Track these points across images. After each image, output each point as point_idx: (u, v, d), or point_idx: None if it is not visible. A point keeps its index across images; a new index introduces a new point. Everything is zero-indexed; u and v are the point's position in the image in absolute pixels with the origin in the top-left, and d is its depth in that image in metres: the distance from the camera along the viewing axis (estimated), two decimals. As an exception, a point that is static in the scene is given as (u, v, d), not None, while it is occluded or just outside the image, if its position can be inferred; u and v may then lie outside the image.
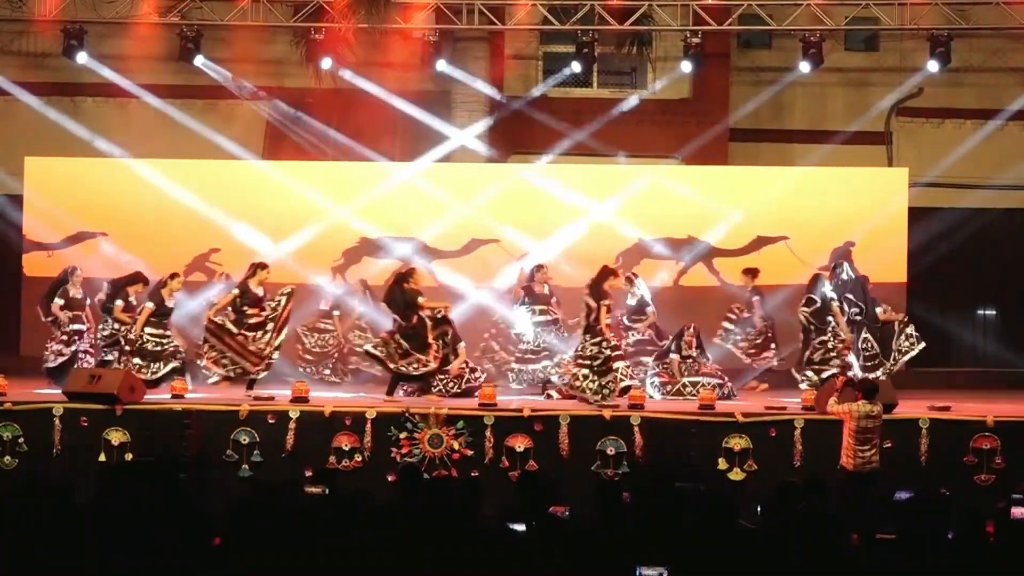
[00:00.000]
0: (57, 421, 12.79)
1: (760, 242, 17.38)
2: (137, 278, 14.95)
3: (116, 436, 12.74)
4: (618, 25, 17.04)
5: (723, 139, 18.49)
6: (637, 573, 6.16)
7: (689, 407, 13.46)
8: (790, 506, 7.26)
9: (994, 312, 19.36)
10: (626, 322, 15.59)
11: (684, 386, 14.66)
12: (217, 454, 12.73)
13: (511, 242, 17.34)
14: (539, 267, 16.07)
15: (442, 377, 14.46)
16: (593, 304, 13.75)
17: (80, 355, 14.94)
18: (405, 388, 14.24)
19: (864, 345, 15.13)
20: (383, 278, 16.23)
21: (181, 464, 11.66)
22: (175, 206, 17.38)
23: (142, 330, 14.39)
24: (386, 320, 14.60)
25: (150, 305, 14.50)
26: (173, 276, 14.82)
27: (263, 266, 14.65)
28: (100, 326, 15.13)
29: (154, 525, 6.43)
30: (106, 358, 14.75)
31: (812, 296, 15.10)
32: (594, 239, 17.27)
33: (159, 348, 14.40)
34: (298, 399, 13.26)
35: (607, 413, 12.83)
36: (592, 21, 16.93)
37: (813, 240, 17.30)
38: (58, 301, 14.98)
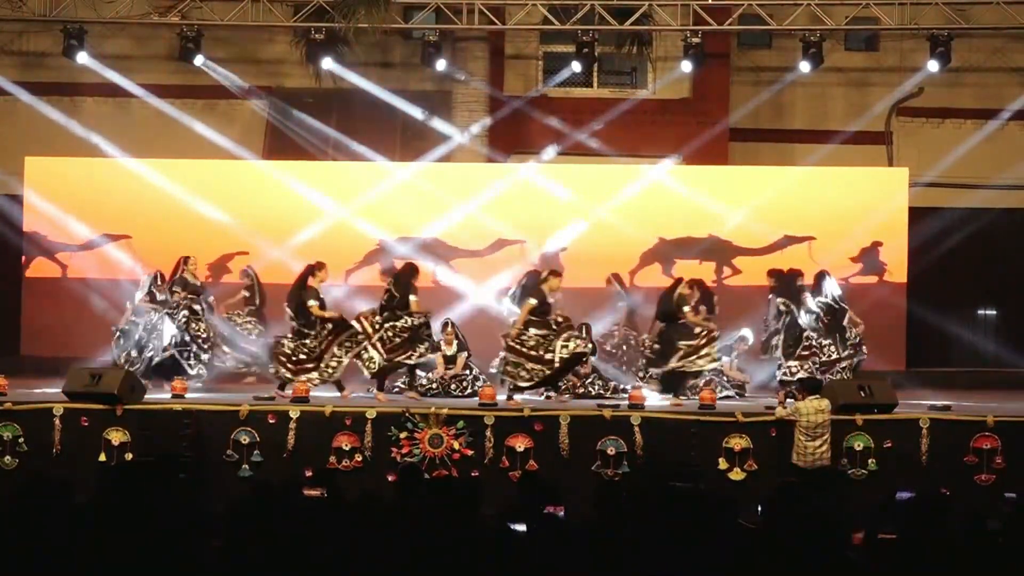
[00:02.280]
0: (57, 421, 12.79)
1: (786, 241, 17.35)
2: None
3: (116, 436, 12.75)
4: (618, 25, 17.05)
5: (723, 139, 18.48)
6: None
7: (689, 407, 13.45)
8: (790, 506, 7.26)
9: (994, 312, 19.36)
10: None
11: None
12: (217, 454, 12.73)
13: (535, 243, 17.32)
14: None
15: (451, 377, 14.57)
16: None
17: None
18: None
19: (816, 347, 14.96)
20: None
21: (181, 464, 11.65)
22: (175, 206, 17.38)
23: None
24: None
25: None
26: (320, 266, 14.35)
27: (320, 266, 14.33)
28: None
29: (154, 525, 6.43)
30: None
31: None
32: (594, 239, 17.28)
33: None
34: (298, 399, 13.26)
35: (607, 413, 12.83)
36: (592, 21, 16.94)
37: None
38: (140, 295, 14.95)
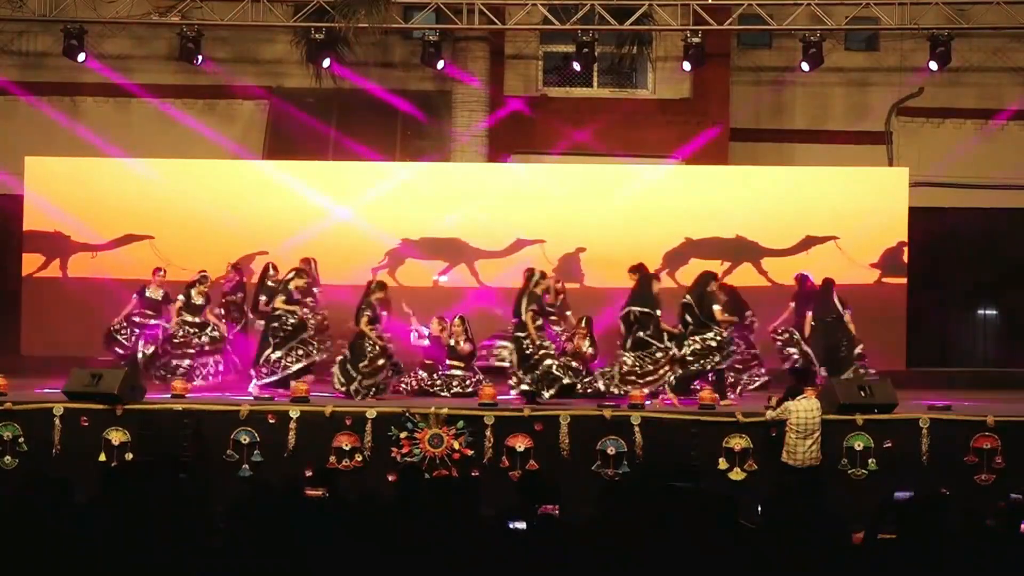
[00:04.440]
0: (57, 421, 12.79)
1: (809, 242, 17.33)
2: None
3: (116, 436, 12.74)
4: (618, 25, 17.05)
5: (723, 139, 18.48)
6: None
7: (689, 407, 13.44)
8: (790, 506, 7.26)
9: (994, 312, 19.36)
10: None
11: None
12: (217, 454, 12.72)
13: (555, 243, 17.31)
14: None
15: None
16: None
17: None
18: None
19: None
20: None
21: (181, 464, 11.64)
22: (176, 206, 17.37)
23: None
24: None
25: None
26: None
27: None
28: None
29: (154, 525, 6.43)
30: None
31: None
32: (594, 239, 17.27)
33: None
34: (298, 399, 13.26)
35: (607, 413, 12.83)
36: (592, 21, 16.94)
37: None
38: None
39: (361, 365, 13.97)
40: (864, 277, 17.20)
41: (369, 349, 14.03)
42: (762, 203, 17.41)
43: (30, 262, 17.66)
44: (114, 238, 17.53)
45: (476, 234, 17.44)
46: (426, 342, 15.09)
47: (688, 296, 14.09)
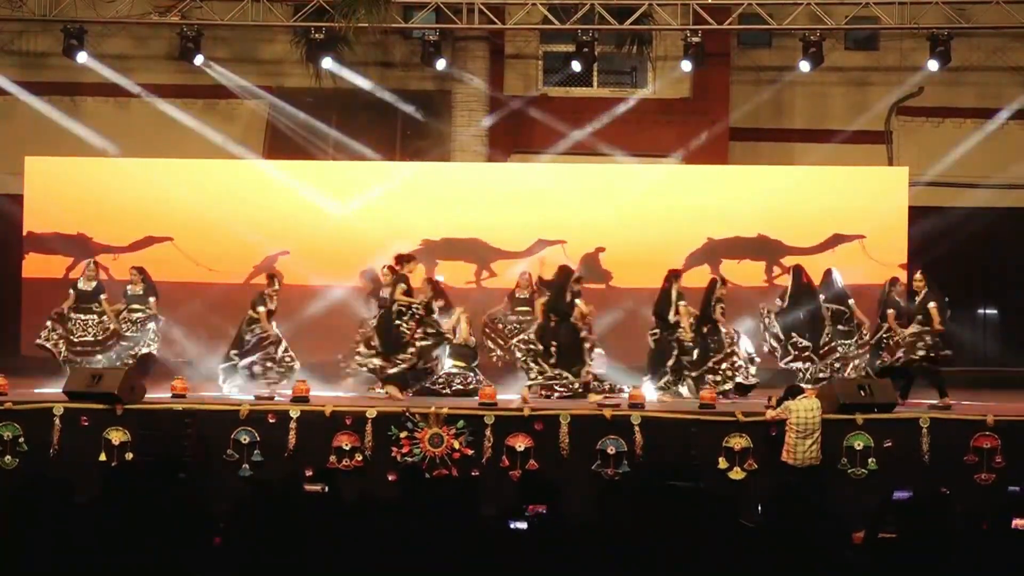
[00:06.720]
0: (57, 421, 12.79)
1: (836, 240, 17.30)
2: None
3: (116, 436, 12.75)
4: (618, 25, 17.06)
5: (723, 139, 18.47)
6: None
7: (689, 406, 13.45)
8: (790, 506, 7.26)
9: (994, 312, 19.35)
10: None
11: None
12: (217, 454, 12.73)
13: (574, 243, 17.30)
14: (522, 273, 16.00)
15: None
16: None
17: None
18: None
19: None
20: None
21: (181, 464, 11.64)
22: (176, 206, 17.36)
23: None
24: None
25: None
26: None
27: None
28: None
29: (154, 525, 6.43)
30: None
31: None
32: (615, 238, 17.25)
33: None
34: (299, 399, 13.26)
35: (607, 412, 12.84)
36: (592, 21, 16.95)
37: (814, 238, 17.31)
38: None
39: None
40: (863, 277, 17.17)
41: None
42: (770, 202, 17.38)
43: (37, 263, 17.60)
44: (135, 240, 17.48)
45: (496, 235, 17.40)
46: None
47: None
